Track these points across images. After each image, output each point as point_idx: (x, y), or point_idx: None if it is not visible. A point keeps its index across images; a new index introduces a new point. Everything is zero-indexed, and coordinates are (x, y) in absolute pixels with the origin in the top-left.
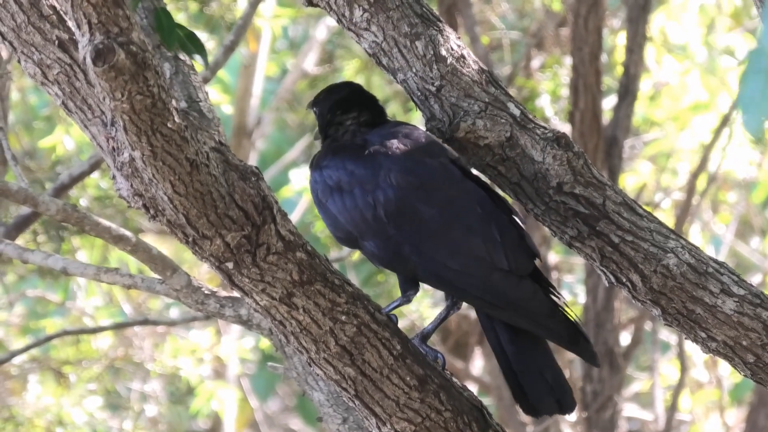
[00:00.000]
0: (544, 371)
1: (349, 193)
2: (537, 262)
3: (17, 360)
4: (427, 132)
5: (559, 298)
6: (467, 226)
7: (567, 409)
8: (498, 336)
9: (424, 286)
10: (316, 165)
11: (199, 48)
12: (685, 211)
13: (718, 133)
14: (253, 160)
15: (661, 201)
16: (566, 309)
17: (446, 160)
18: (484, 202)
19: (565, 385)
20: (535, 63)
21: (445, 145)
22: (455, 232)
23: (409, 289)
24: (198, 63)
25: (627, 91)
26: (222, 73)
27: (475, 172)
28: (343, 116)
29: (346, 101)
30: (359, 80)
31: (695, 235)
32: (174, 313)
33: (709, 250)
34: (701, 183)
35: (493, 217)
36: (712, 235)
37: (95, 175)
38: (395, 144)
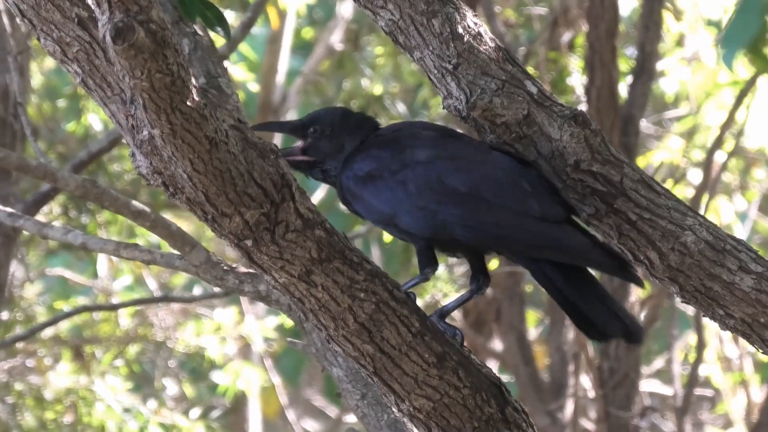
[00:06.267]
0: (604, 301)
1: (379, 177)
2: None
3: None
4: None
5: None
6: (498, 183)
7: (635, 337)
8: (549, 277)
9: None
10: (344, 167)
11: (220, 20)
12: (702, 186)
13: (736, 105)
14: (278, 138)
15: (686, 173)
16: (608, 245)
17: (467, 138)
18: (511, 164)
19: (631, 315)
20: (564, 40)
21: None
22: (487, 191)
23: (427, 267)
24: (220, 35)
25: (643, 69)
26: (248, 51)
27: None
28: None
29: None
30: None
31: (724, 211)
32: (198, 291)
33: (737, 227)
34: (724, 158)
35: (523, 173)
36: (737, 212)
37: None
38: (415, 131)
